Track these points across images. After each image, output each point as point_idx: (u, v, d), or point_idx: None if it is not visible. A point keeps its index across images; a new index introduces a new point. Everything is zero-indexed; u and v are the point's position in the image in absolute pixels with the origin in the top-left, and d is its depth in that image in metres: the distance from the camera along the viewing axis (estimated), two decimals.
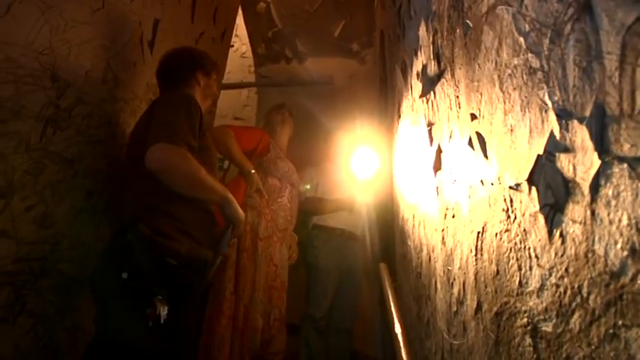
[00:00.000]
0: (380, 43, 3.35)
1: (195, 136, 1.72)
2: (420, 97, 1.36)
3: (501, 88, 0.68)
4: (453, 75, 0.99)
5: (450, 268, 1.04)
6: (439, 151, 1.16)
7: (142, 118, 1.89)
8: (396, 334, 1.50)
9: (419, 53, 1.47)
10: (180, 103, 1.78)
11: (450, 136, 1.04)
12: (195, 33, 2.96)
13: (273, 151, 2.91)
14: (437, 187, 1.18)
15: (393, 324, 1.62)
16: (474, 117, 0.83)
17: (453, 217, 1.00)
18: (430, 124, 1.26)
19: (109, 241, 1.69)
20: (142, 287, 1.48)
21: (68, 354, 1.85)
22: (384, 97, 3.18)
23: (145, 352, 1.50)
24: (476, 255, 0.82)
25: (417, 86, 1.52)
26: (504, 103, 0.67)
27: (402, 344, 1.40)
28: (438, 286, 1.17)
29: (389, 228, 2.73)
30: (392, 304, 1.76)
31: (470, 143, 0.86)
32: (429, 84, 1.28)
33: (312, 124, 3.87)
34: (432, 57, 1.23)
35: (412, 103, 1.67)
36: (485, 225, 0.76)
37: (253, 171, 2.64)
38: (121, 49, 2.20)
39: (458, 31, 0.93)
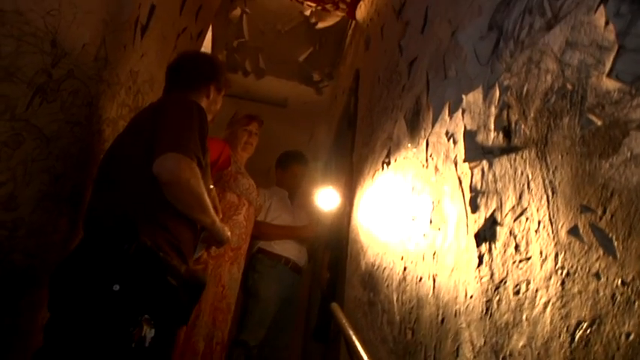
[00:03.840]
0: (353, 81, 3.39)
1: (204, 152, 1.63)
2: (464, 161, 1.38)
3: None
4: (543, 158, 1.02)
5: (500, 341, 1.04)
6: (491, 222, 1.17)
7: (145, 115, 1.75)
8: None
9: (456, 115, 1.50)
10: (194, 113, 1.68)
11: (522, 214, 1.06)
12: (179, 27, 2.83)
13: (233, 165, 2.82)
14: (480, 256, 1.19)
15: None
16: (587, 209, 0.85)
17: (517, 293, 1.02)
18: (475, 192, 1.28)
19: (91, 243, 1.50)
20: (131, 303, 1.34)
21: None
22: (349, 135, 3.20)
23: None
24: (572, 343, 0.83)
25: (444, 146, 1.54)
26: None
27: None
28: (465, 352, 1.18)
29: (339, 268, 2.72)
30: (362, 351, 1.74)
31: (574, 232, 0.88)
32: (480, 152, 1.30)
33: (261, 142, 3.81)
34: (492, 127, 1.26)
35: (426, 160, 1.70)
36: (599, 319, 0.78)
37: (212, 186, 2.53)
38: (118, 28, 2.05)
39: (566, 120, 0.96)
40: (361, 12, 3.84)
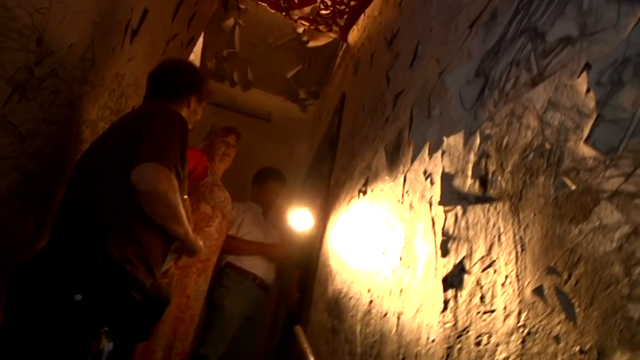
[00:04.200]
0: (338, 104, 3.41)
1: (183, 164, 1.62)
2: (439, 203, 1.39)
3: (627, 273, 0.72)
4: (515, 213, 1.03)
5: None
6: (460, 269, 1.18)
7: (127, 121, 1.74)
8: None
9: (436, 156, 1.52)
10: (176, 124, 1.68)
11: (490, 265, 1.07)
12: (170, 33, 2.82)
13: (210, 176, 2.80)
14: (446, 302, 1.20)
15: None
16: (553, 271, 0.86)
17: (478, 344, 1.02)
18: (446, 236, 1.29)
19: (57, 248, 1.47)
20: (92, 315, 1.31)
21: None
22: (329, 157, 3.21)
23: None
24: None
25: (421, 184, 1.55)
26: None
27: None
28: None
29: (306, 290, 2.71)
30: None
31: (538, 292, 0.89)
32: (455, 197, 1.31)
33: (241, 154, 3.80)
34: (470, 174, 1.27)
35: (402, 195, 1.71)
36: None
37: (186, 197, 2.52)
38: (108, 30, 2.03)
39: (541, 179, 0.98)
40: (353, 36, 3.88)
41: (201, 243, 1.89)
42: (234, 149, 3.04)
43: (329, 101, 4.12)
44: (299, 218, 3.06)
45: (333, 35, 3.96)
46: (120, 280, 1.37)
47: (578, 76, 0.96)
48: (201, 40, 4.46)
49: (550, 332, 0.83)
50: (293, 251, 3.18)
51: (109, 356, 1.30)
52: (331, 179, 2.99)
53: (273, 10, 3.62)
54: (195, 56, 4.68)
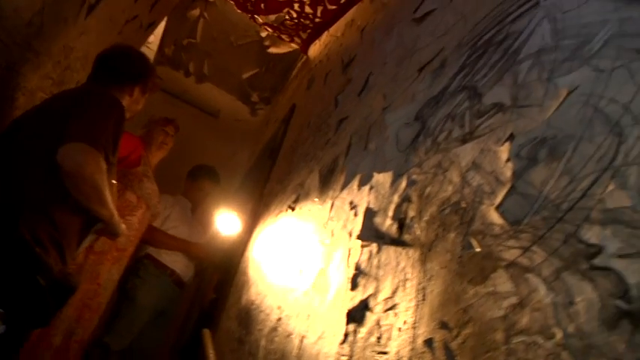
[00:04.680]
0: (287, 114, 3.42)
1: (114, 149, 1.59)
2: (357, 237, 1.41)
3: (506, 341, 0.76)
4: (423, 262, 1.07)
5: None
6: (364, 305, 1.21)
7: (65, 99, 1.68)
8: None
9: (364, 189, 1.55)
10: (113, 110, 1.64)
11: (391, 308, 1.10)
12: (130, 14, 2.75)
13: (143, 166, 2.74)
14: (346, 334, 1.22)
15: None
16: (445, 326, 0.90)
17: None
18: (358, 270, 1.32)
19: None
20: None
21: None
22: (268, 166, 3.21)
23: None
24: None
25: (346, 214, 1.58)
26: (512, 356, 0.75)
27: None
28: None
29: (222, 294, 2.68)
30: None
31: (429, 344, 0.92)
32: (374, 234, 1.34)
33: (182, 147, 3.74)
34: (390, 214, 1.31)
35: (327, 220, 1.73)
36: None
37: (114, 182, 2.47)
38: (62, 0, 1.96)
39: (452, 235, 1.02)
40: (314, 50, 3.91)
41: (124, 226, 1.86)
42: (172, 139, 3.02)
43: (279, 110, 4.13)
44: (227, 221, 3.04)
45: (294, 46, 3.97)
46: (26, 262, 1.32)
47: (502, 144, 1.01)
48: (163, 25, 4.37)
49: None
50: (216, 253, 3.15)
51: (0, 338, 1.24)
52: (265, 188, 2.99)
53: (239, 10, 3.61)
54: (154, 39, 4.58)
